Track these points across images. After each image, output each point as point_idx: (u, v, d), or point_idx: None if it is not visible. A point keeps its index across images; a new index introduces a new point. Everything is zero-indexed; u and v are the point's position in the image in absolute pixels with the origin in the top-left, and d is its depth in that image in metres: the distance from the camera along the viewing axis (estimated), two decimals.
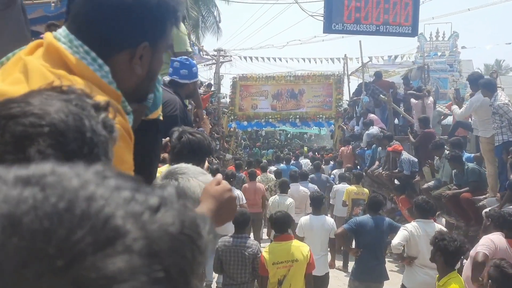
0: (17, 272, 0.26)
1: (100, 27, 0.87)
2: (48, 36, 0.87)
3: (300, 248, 3.91)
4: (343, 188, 7.90)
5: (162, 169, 1.52)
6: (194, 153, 1.76)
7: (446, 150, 6.91)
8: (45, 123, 0.52)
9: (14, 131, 0.51)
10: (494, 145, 5.81)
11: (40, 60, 0.83)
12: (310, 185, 7.82)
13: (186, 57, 3.44)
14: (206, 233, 0.33)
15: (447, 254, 3.27)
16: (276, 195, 7.02)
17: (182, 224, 0.31)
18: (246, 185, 7.87)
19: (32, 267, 0.26)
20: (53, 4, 6.09)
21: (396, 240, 4.20)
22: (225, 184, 1.12)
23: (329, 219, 5.50)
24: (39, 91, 0.59)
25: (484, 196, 5.88)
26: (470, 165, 6.22)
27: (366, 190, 7.79)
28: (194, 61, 3.68)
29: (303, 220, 5.40)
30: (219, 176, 1.15)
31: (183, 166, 1.46)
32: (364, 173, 9.06)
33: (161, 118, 1.31)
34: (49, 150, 0.51)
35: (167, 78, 3.20)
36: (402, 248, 4.24)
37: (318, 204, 5.46)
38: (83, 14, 0.88)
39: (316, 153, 17.16)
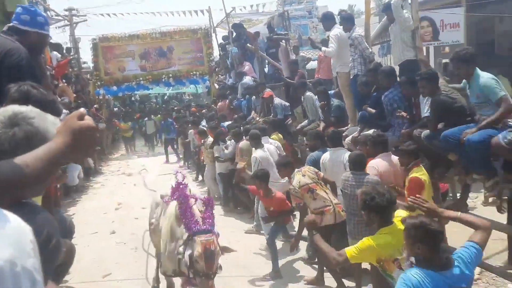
0: None
1: None
2: None
3: None
4: None
5: None
6: (42, 106, 1.45)
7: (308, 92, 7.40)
8: None
9: None
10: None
11: None
12: None
13: (32, 5, 3.21)
14: None
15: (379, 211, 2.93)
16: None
17: None
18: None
19: None
20: None
21: None
22: (88, 120, 1.08)
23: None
24: None
25: (346, 127, 6.49)
26: (336, 101, 6.81)
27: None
28: (44, 14, 3.47)
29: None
30: (82, 110, 1.11)
31: (26, 110, 1.29)
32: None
33: None
34: None
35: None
36: None
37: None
38: None
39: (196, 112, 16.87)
